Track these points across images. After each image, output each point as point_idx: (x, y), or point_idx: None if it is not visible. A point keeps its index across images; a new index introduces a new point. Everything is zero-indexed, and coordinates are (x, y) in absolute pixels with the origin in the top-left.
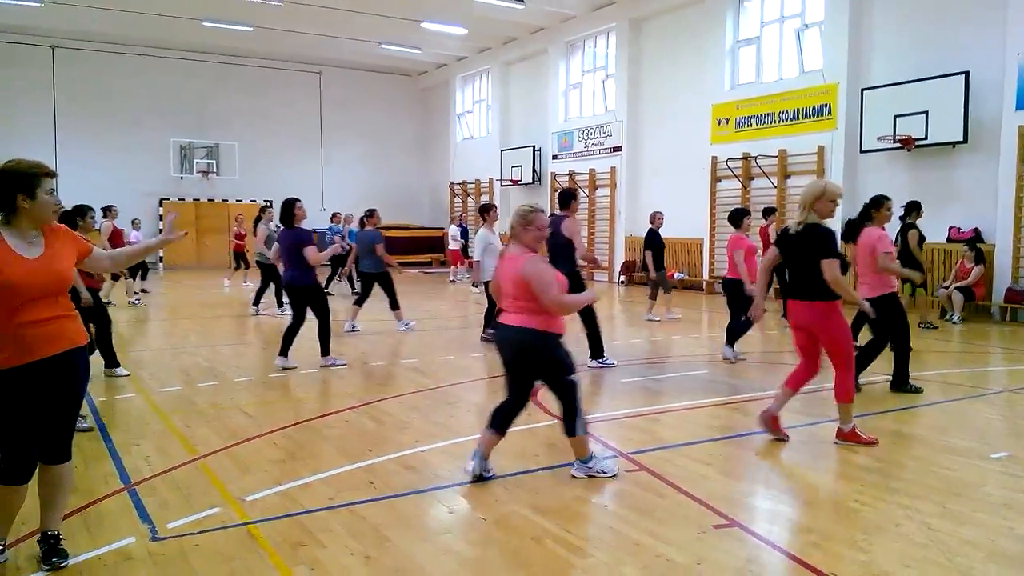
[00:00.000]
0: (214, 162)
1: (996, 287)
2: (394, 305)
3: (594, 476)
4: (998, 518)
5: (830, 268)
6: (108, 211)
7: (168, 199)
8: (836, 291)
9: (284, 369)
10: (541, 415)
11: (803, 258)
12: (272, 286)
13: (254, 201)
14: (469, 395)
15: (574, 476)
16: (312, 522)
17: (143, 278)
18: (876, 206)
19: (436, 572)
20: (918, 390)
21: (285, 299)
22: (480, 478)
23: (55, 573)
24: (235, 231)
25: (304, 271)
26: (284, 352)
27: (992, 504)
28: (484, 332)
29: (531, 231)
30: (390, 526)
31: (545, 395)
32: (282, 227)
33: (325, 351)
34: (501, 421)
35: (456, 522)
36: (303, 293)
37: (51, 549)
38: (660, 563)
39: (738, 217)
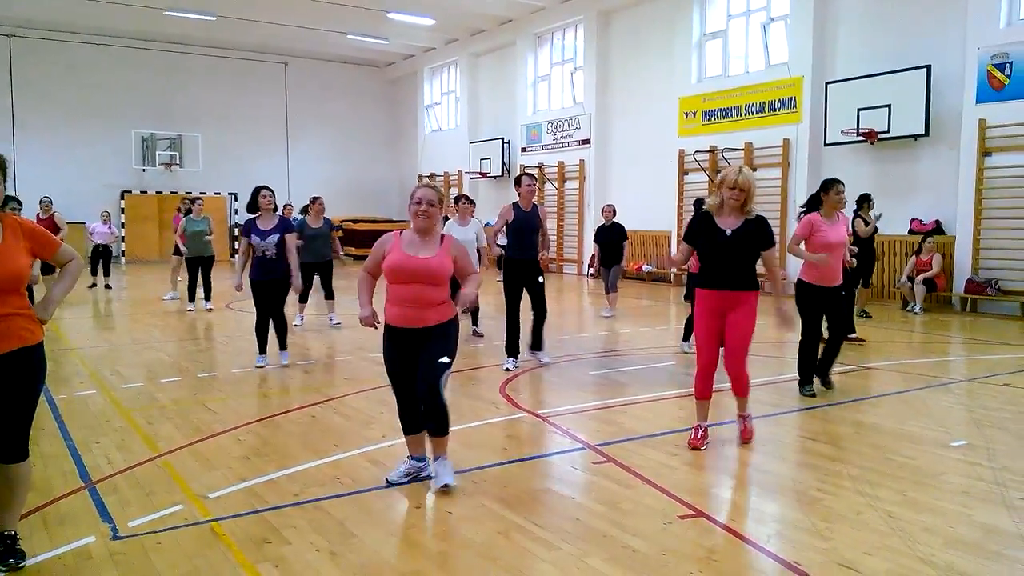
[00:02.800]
0: (177, 154)
1: (956, 278)
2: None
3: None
4: (957, 505)
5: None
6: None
7: (130, 192)
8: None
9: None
10: (507, 407)
11: (750, 248)
12: (196, 279)
13: (218, 193)
14: None
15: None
16: (277, 519)
17: (106, 274)
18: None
19: (403, 567)
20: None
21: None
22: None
23: (12, 574)
24: None
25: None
26: (264, 350)
27: (951, 492)
28: (475, 327)
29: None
30: (356, 522)
31: (512, 387)
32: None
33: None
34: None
35: (422, 517)
36: (272, 287)
37: (7, 549)
38: (626, 554)
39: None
